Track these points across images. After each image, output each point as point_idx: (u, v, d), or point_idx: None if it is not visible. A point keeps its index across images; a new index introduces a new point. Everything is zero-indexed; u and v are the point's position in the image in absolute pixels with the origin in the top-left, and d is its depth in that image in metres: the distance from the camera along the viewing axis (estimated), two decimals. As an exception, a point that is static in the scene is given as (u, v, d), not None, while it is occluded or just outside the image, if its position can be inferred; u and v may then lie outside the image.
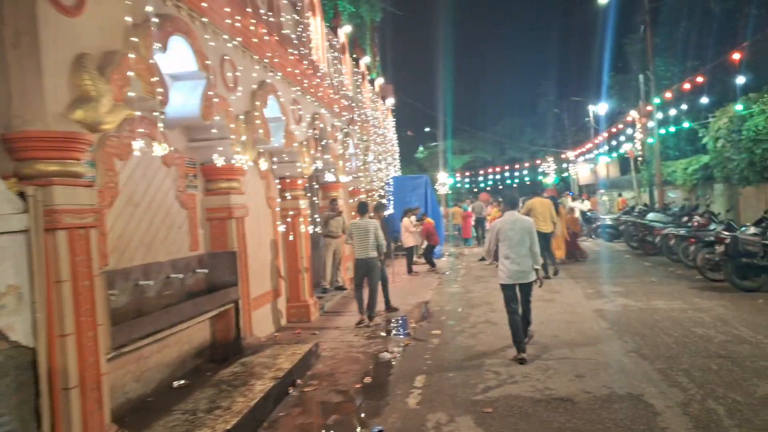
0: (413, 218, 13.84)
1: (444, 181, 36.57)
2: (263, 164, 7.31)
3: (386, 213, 17.87)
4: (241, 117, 6.42)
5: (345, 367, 5.94)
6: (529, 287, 6.09)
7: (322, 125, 9.73)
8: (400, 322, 8.19)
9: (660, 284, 9.69)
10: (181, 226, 5.65)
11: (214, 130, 5.76)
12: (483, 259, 14.95)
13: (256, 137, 6.75)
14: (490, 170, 35.69)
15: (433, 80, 37.44)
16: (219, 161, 5.85)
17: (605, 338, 6.46)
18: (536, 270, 5.95)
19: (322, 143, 9.63)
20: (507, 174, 34.58)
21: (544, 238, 10.05)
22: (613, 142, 22.34)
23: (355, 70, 14.19)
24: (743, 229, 9.18)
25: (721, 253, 8.56)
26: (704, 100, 12.83)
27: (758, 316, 6.90)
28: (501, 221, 6.04)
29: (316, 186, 11.41)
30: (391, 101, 20.35)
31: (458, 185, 38.59)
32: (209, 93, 5.62)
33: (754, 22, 15.34)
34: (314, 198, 11.34)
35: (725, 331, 6.28)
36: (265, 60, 7.29)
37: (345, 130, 11.69)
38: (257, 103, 6.85)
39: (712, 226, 11.12)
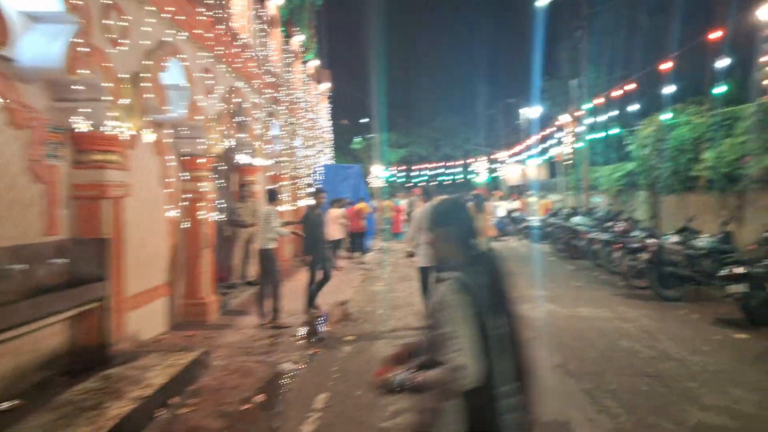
0: (342, 210, 13.03)
1: (379, 174, 36.07)
2: (151, 136, 6.17)
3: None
4: (127, 77, 5.32)
5: (236, 381, 5.03)
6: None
7: (239, 100, 8.67)
8: (313, 324, 7.36)
9: (585, 289, 9.50)
10: (32, 205, 4.49)
11: (80, 88, 4.64)
12: (412, 254, 14.42)
13: (146, 103, 5.65)
14: (425, 166, 35.52)
15: (373, 72, 36.68)
16: (84, 126, 4.72)
17: (531, 349, 5.97)
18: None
19: (237, 119, 8.58)
20: (441, 170, 34.56)
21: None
22: (544, 145, 22.67)
23: (287, 47, 13.12)
24: (666, 237, 9.16)
25: (645, 261, 8.43)
26: (634, 107, 12.99)
27: (682, 328, 6.72)
28: (421, 210, 6.81)
29: (226, 168, 10.30)
30: (326, 86, 19.36)
31: (393, 179, 38.18)
32: (78, 41, 4.51)
33: (679, 38, 15.82)
34: (226, 182, 10.23)
35: (651, 345, 5.99)
36: (166, 14, 6.17)
37: (268, 109, 10.65)
38: (150, 63, 5.75)
39: (635, 232, 11.17)
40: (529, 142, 26.09)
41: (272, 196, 7.55)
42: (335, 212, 12.60)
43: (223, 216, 9.38)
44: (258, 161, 9.75)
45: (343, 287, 10.13)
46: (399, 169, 37.28)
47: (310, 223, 7.75)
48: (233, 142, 8.61)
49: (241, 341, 6.45)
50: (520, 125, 29.44)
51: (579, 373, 5.12)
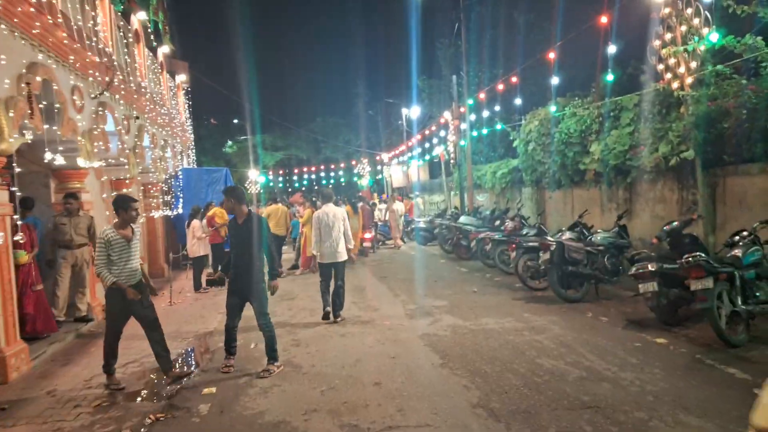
0: (204, 222, 10.95)
1: (256, 179, 33.61)
2: None
3: (174, 212, 14.56)
4: None
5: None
6: (342, 266, 7.39)
7: (43, 79, 6.43)
8: (161, 374, 5.49)
9: (483, 295, 8.69)
10: None
11: None
12: (295, 266, 12.79)
13: None
14: (305, 169, 33.82)
15: (243, 69, 34.10)
16: None
17: (440, 382, 4.79)
18: (349, 250, 7.40)
19: (43, 106, 6.35)
20: (323, 174, 33.12)
21: (278, 241, 12.17)
22: (426, 145, 22.35)
23: (123, 23, 10.75)
24: (559, 234, 8.69)
25: (546, 261, 7.79)
26: (518, 102, 12.77)
27: (598, 336, 6.01)
28: (321, 211, 7.37)
29: (40, 172, 7.88)
30: (182, 78, 16.90)
31: (271, 184, 35.94)
32: None
33: (550, 35, 16.15)
34: (41, 191, 7.80)
35: (575, 362, 5.13)
36: None
37: (96, 97, 8.37)
38: None
39: (524, 230, 10.75)
40: (410, 142, 25.70)
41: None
42: (196, 224, 10.54)
43: (35, 235, 7.02)
44: (84, 162, 7.50)
45: (207, 315, 8.24)
46: (277, 173, 35.14)
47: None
48: (33, 137, 6.35)
49: (50, 412, 4.46)
50: (401, 126, 29.06)
51: (506, 413, 4.01)
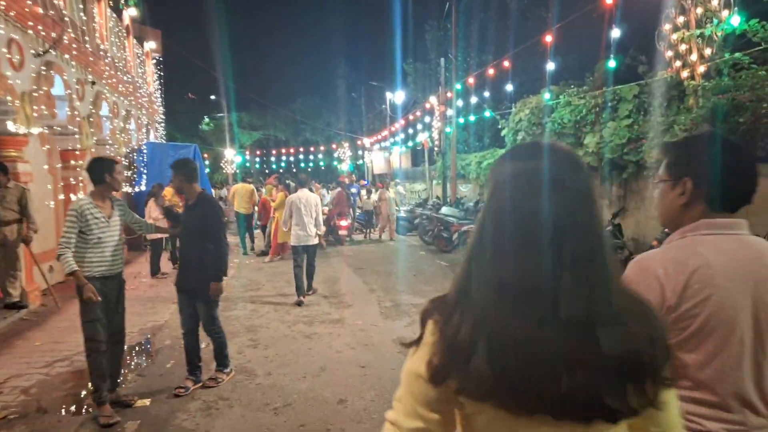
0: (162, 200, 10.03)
1: (232, 159, 32.43)
2: None
3: (137, 188, 13.54)
4: None
5: None
6: (314, 249, 7.75)
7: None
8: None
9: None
10: None
11: None
12: (264, 253, 11.97)
13: None
14: (283, 151, 32.71)
15: (223, 45, 32.71)
16: None
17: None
18: (319, 235, 7.72)
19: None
20: (302, 156, 32.08)
21: (246, 219, 12.52)
22: (410, 131, 21.59)
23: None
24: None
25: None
26: (509, 88, 12.09)
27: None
28: (295, 196, 7.59)
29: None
30: (152, 45, 15.73)
31: (248, 164, 34.77)
32: None
33: (543, 22, 15.45)
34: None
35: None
36: None
37: (41, 55, 7.36)
38: None
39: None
40: (393, 128, 24.89)
41: (104, 167, 3.93)
42: (152, 205, 9.62)
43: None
44: (17, 128, 6.53)
45: (160, 305, 7.41)
46: (254, 153, 33.97)
47: None
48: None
49: None
50: (384, 110, 28.18)
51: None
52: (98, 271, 3.78)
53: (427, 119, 18.30)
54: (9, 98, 6.48)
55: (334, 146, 33.19)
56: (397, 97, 25.39)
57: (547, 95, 10.17)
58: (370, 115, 34.11)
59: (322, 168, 35.00)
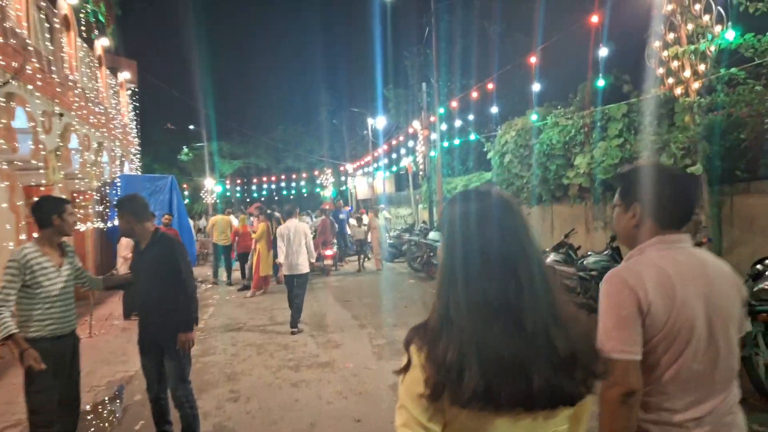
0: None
1: (212, 189, 31.81)
2: None
3: (110, 224, 12.94)
4: None
5: None
6: (304, 278, 7.76)
7: None
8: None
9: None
10: None
11: None
12: (246, 287, 11.41)
13: None
14: (264, 179, 32.24)
15: (201, 75, 32.41)
16: None
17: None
18: (311, 263, 7.89)
19: None
20: (283, 184, 31.63)
21: (224, 250, 12.85)
22: (393, 156, 21.37)
23: (46, 5, 9.26)
24: (543, 254, 7.72)
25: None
26: (493, 110, 11.92)
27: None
28: (285, 227, 7.81)
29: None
30: (126, 76, 15.32)
31: (228, 194, 34.17)
32: None
33: (520, 47, 15.49)
34: None
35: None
36: None
37: (1, 86, 6.89)
38: None
39: (502, 250, 9.78)
40: (376, 153, 24.68)
41: (52, 208, 3.37)
42: (125, 242, 9.02)
43: None
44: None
45: (132, 350, 6.79)
46: (235, 182, 33.42)
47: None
48: None
49: None
50: (366, 136, 28.02)
51: None
52: (48, 330, 3.22)
53: (410, 143, 18.10)
54: (-37, 133, 5.99)
55: (316, 173, 32.85)
56: (379, 122, 25.28)
57: (534, 116, 9.97)
58: (352, 141, 33.97)
59: (305, 195, 34.55)
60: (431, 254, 12.17)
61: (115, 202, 12.72)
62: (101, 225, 12.17)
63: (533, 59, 9.21)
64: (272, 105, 38.32)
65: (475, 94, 12.11)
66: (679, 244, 1.60)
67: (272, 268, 10.98)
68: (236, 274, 12.81)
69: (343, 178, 32.91)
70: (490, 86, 11.14)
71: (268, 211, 11.63)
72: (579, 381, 1.07)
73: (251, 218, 14.76)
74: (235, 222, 14.91)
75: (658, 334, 1.49)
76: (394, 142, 19.89)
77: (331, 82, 38.89)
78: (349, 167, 30.01)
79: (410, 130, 17.36)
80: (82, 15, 11.60)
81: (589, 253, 7.31)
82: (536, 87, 9.46)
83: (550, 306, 1.08)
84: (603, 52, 7.71)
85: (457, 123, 14.34)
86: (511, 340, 1.04)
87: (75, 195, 10.81)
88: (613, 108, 8.23)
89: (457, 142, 14.38)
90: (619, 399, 1.45)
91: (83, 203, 11.06)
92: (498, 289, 1.06)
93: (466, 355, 1.03)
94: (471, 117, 13.99)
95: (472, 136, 13.10)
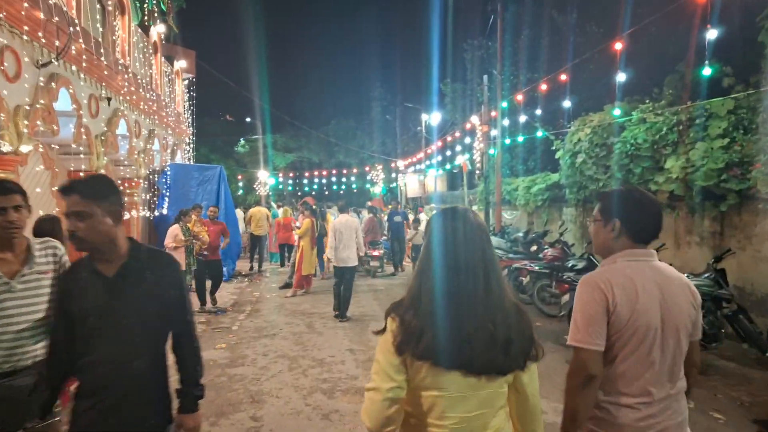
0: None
1: (265, 181, 31.90)
2: None
3: (157, 213, 12.76)
4: None
5: None
6: (352, 270, 8.26)
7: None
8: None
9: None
10: None
11: None
12: (288, 285, 10.85)
13: None
14: (316, 173, 31.98)
15: (259, 68, 32.56)
16: None
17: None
18: (360, 257, 8.61)
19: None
20: (334, 179, 31.26)
21: (260, 240, 13.57)
22: (447, 153, 20.40)
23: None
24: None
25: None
26: (566, 104, 10.74)
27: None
28: (338, 221, 8.38)
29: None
30: (182, 65, 15.15)
31: (281, 186, 34.19)
32: None
33: (593, 39, 14.11)
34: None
35: None
36: None
37: (41, 65, 6.55)
38: None
39: (570, 262, 8.69)
40: (429, 150, 23.75)
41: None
42: (175, 230, 8.62)
43: None
44: (6, 146, 5.64)
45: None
46: (287, 175, 33.39)
47: None
48: None
49: None
50: (419, 132, 27.11)
51: None
52: None
53: (466, 140, 17.08)
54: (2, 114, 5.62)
55: (367, 169, 32.25)
56: (433, 118, 24.30)
57: (617, 111, 8.77)
58: (404, 137, 33.10)
59: (355, 191, 34.05)
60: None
61: (164, 191, 12.55)
62: (148, 214, 11.97)
63: (618, 46, 8.03)
64: (326, 99, 38.14)
65: (543, 87, 10.98)
66: (646, 258, 1.92)
67: (315, 267, 10.49)
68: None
69: (393, 175, 32.13)
70: (563, 77, 9.98)
71: (313, 207, 11.02)
72: (512, 358, 1.49)
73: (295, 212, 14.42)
74: (277, 214, 14.77)
75: (619, 330, 1.83)
76: (449, 139, 18.92)
77: (386, 77, 38.28)
78: (400, 164, 29.19)
79: (467, 126, 16.34)
80: (141, 1, 11.37)
81: (686, 274, 6.15)
82: (621, 77, 8.24)
83: (500, 301, 1.51)
84: (711, 34, 6.48)
85: (522, 119, 13.20)
86: (462, 320, 1.47)
87: (121, 182, 10.58)
88: (717, 103, 6.98)
89: (520, 139, 13.24)
90: (583, 382, 1.80)
91: (132, 191, 10.84)
92: (461, 283, 1.50)
93: (426, 324, 1.47)
94: (538, 112, 12.80)
95: (539, 133, 11.94)
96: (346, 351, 6.46)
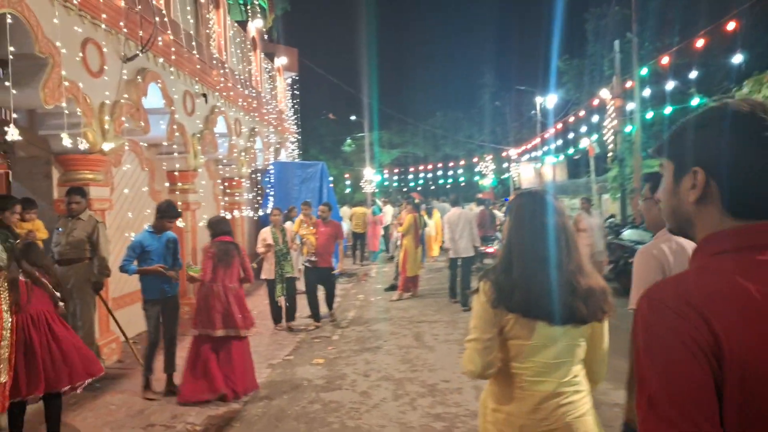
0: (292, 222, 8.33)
1: (371, 178, 31.65)
2: None
3: (261, 212, 12.50)
4: None
5: None
6: (469, 261, 8.34)
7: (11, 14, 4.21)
8: None
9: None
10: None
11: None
12: (393, 287, 9.89)
13: None
14: (421, 168, 31.00)
15: (362, 62, 32.25)
16: None
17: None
18: (476, 248, 8.48)
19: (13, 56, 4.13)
20: (440, 173, 30.03)
21: (360, 237, 13.79)
22: (569, 136, 18.19)
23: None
24: None
25: None
26: (736, 59, 8.43)
27: None
28: (451, 214, 8.48)
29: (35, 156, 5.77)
30: (283, 62, 14.88)
31: (386, 183, 33.75)
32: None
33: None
34: (41, 183, 5.71)
35: None
36: None
37: (127, 59, 6.16)
38: None
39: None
40: (545, 135, 21.54)
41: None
42: (266, 232, 7.73)
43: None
44: (83, 144, 5.23)
45: (257, 364, 5.56)
46: (392, 171, 32.82)
47: None
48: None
49: None
50: (534, 117, 24.84)
51: None
52: None
53: (593, 119, 14.87)
54: (78, 110, 5.24)
55: (475, 160, 30.51)
56: (549, 100, 22.00)
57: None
58: (516, 123, 30.77)
59: (462, 184, 32.47)
60: (628, 259, 9.25)
61: (268, 190, 12.26)
62: (252, 213, 11.72)
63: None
64: (430, 91, 36.76)
65: (700, 43, 8.74)
66: None
67: (419, 269, 9.43)
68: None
69: (505, 165, 30.02)
70: (731, 26, 7.75)
71: (416, 201, 9.94)
72: (591, 311, 1.72)
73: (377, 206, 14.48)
74: (378, 211, 14.64)
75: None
76: (571, 120, 16.73)
77: (495, 62, 35.83)
78: (513, 152, 27.07)
79: (594, 103, 14.14)
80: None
81: None
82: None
83: (579, 262, 1.77)
84: None
85: (669, 85, 10.81)
86: (548, 278, 1.71)
87: (221, 181, 10.34)
88: None
89: (667, 110, 10.87)
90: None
91: (230, 190, 10.58)
92: (547, 248, 1.74)
93: (518, 283, 1.71)
94: (692, 75, 10.37)
95: (695, 101, 9.61)
96: (463, 374, 5.25)
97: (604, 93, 13.18)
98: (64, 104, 4.92)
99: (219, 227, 4.87)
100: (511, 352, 1.74)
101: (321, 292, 7.70)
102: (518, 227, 1.80)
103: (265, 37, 14.70)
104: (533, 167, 25.37)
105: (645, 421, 0.82)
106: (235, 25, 11.23)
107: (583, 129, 16.61)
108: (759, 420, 0.78)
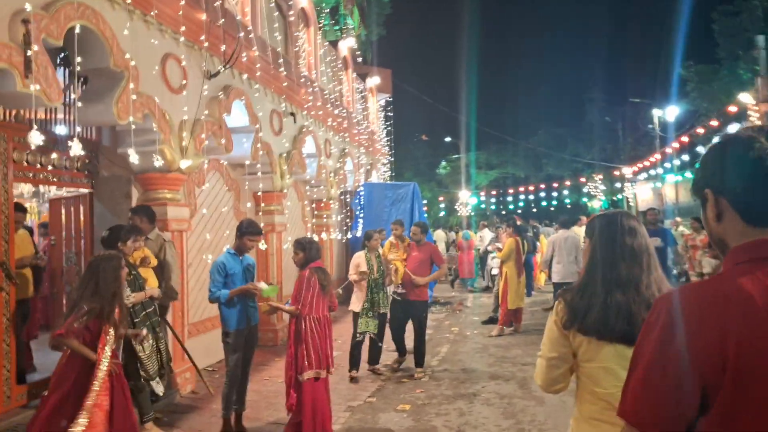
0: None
1: (466, 201, 30.58)
2: None
3: (351, 235, 12.07)
4: None
5: None
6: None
7: (82, 26, 4.04)
8: None
9: None
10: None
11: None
12: (491, 319, 8.81)
13: None
14: (522, 189, 29.28)
15: (458, 83, 31.49)
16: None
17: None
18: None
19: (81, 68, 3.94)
20: (542, 194, 28.11)
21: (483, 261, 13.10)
22: (694, 152, 15.89)
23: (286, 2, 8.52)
24: None
25: None
26: None
27: None
28: (557, 236, 8.15)
29: (118, 175, 5.61)
30: (375, 81, 14.56)
31: (483, 206, 32.40)
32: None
33: None
34: (122, 201, 5.57)
35: None
36: None
37: (211, 76, 5.96)
38: None
39: None
40: (666, 151, 19.14)
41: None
42: (360, 257, 6.64)
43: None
44: (161, 163, 4.98)
45: (338, 405, 4.87)
46: (489, 193, 31.41)
47: None
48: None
49: None
50: (651, 131, 22.32)
51: None
52: None
53: (731, 128, 12.74)
54: (155, 126, 5.03)
55: (582, 180, 28.17)
56: (669, 112, 19.59)
57: None
58: (630, 139, 28.03)
59: (568, 206, 30.12)
60: None
61: (358, 212, 11.83)
62: (340, 236, 11.30)
63: None
64: (531, 109, 34.96)
65: None
66: None
67: (523, 300, 8.30)
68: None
69: (617, 185, 27.32)
70: None
71: (518, 223, 8.85)
72: None
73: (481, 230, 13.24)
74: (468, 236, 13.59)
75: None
76: (701, 131, 14.54)
77: (602, 74, 33.17)
78: (627, 171, 24.48)
79: (730, 110, 12.07)
80: (326, 14, 11.00)
81: None
82: None
83: (659, 282, 1.72)
84: None
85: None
86: (626, 300, 1.67)
87: (309, 203, 10.01)
88: None
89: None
90: None
91: (318, 212, 10.23)
92: (624, 269, 1.71)
93: (594, 304, 1.69)
94: None
95: None
96: None
97: (745, 97, 11.15)
98: (139, 120, 4.70)
99: (314, 251, 4.20)
100: (587, 375, 1.74)
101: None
102: (596, 249, 1.83)
103: (359, 60, 14.55)
104: (651, 187, 22.70)
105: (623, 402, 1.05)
106: (326, 43, 11.07)
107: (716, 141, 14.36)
108: (758, 419, 0.91)
